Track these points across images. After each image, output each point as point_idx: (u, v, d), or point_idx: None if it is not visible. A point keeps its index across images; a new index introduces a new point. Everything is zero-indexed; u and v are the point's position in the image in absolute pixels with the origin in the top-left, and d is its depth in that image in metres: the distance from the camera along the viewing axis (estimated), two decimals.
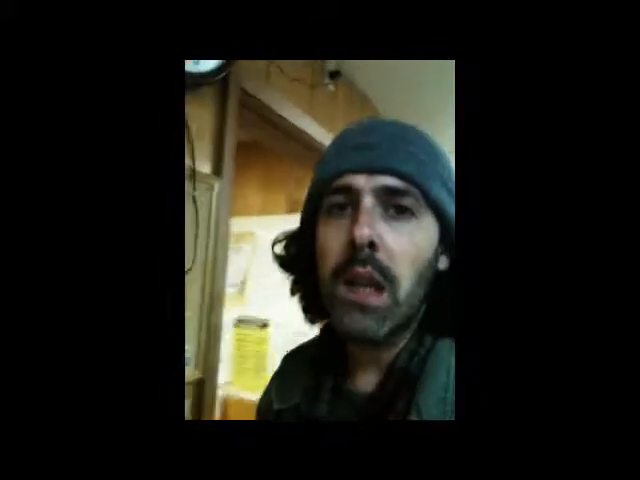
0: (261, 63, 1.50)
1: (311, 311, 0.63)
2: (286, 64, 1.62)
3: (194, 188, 1.20)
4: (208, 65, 1.19)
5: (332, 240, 0.51)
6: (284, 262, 0.64)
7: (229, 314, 2.45)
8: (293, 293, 0.64)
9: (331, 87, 1.88)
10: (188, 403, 1.16)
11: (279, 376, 0.66)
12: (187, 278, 1.15)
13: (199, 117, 1.24)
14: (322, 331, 0.64)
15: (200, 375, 1.21)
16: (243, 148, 1.76)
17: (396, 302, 0.48)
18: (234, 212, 1.44)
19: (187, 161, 1.19)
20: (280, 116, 1.62)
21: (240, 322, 2.89)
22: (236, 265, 2.84)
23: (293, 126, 1.66)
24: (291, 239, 0.64)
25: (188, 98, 1.19)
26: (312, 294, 0.58)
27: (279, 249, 0.65)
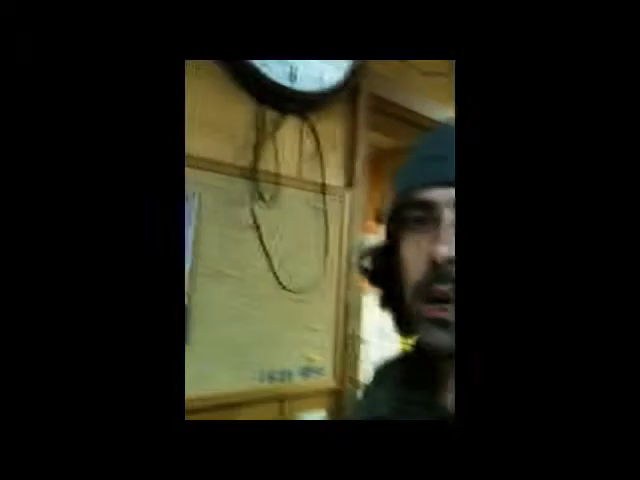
0: (390, 64, 1.46)
1: (402, 326, 0.63)
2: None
3: (324, 202, 1.24)
4: (333, 79, 1.22)
5: (413, 256, 0.51)
6: (372, 276, 0.64)
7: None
8: (383, 307, 0.64)
9: None
10: (323, 413, 1.20)
11: (369, 388, 0.66)
12: (318, 290, 1.20)
13: (328, 130, 1.28)
14: (413, 346, 0.63)
15: (337, 386, 1.23)
16: (387, 153, 1.75)
17: None
18: (372, 217, 1.44)
19: (318, 176, 1.24)
20: (421, 115, 1.56)
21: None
22: None
23: (435, 121, 1.58)
24: (377, 253, 0.63)
25: (316, 115, 1.24)
26: (400, 309, 0.58)
27: (366, 263, 0.64)
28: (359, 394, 0.69)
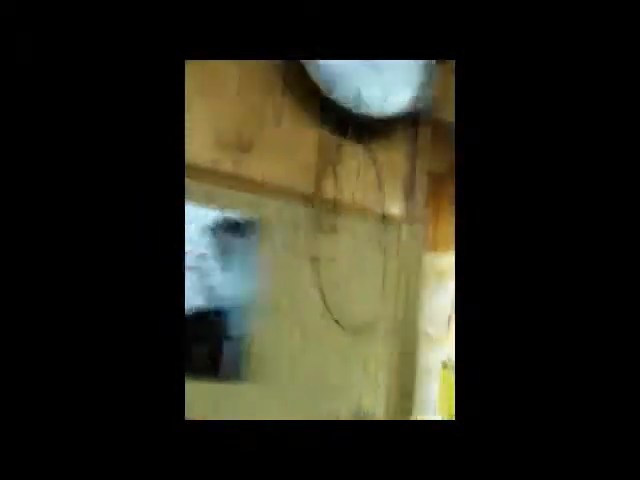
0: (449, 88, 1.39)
1: None
2: None
3: (385, 232, 1.19)
4: (400, 106, 1.17)
5: None
6: None
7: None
8: None
9: None
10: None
11: None
12: (373, 327, 1.13)
13: (390, 157, 1.23)
14: None
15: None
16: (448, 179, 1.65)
17: None
18: (438, 248, 1.35)
19: (378, 205, 1.19)
20: None
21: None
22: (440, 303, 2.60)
23: None
24: None
25: (378, 142, 1.20)
26: None
27: None
28: None
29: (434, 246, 1.34)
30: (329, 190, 1.15)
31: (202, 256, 1.05)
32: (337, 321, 1.12)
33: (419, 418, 1.22)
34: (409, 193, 1.29)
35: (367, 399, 1.11)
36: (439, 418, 1.25)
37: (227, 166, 0.98)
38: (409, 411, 1.18)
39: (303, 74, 0.99)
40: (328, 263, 1.12)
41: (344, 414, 1.08)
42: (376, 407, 1.13)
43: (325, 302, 1.11)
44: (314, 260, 1.09)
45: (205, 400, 0.87)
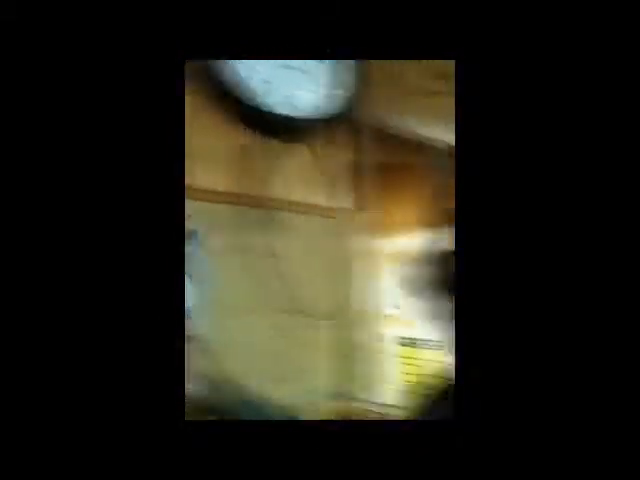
0: (392, 85, 1.50)
1: None
2: (418, 81, 1.59)
3: (334, 225, 1.25)
4: (334, 107, 1.24)
5: None
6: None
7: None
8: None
9: None
10: None
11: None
12: (338, 315, 1.20)
13: (334, 154, 1.30)
14: None
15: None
16: (393, 168, 1.76)
17: None
18: (386, 234, 1.45)
19: (327, 200, 1.26)
20: (420, 135, 1.59)
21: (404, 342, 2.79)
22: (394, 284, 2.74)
23: (434, 143, 1.61)
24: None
25: (321, 141, 1.27)
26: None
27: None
28: None
29: (384, 232, 1.43)
30: (278, 191, 1.18)
31: None
32: (298, 311, 1.16)
33: (378, 392, 1.29)
34: (355, 185, 1.37)
35: (330, 380, 1.18)
36: (399, 391, 1.33)
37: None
38: (369, 387, 1.26)
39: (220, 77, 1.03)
40: (283, 258, 1.16)
41: (308, 395, 1.14)
42: (338, 387, 1.20)
43: (285, 294, 1.16)
44: (269, 257, 1.13)
45: None
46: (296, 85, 1.17)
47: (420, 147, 1.62)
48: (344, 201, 1.34)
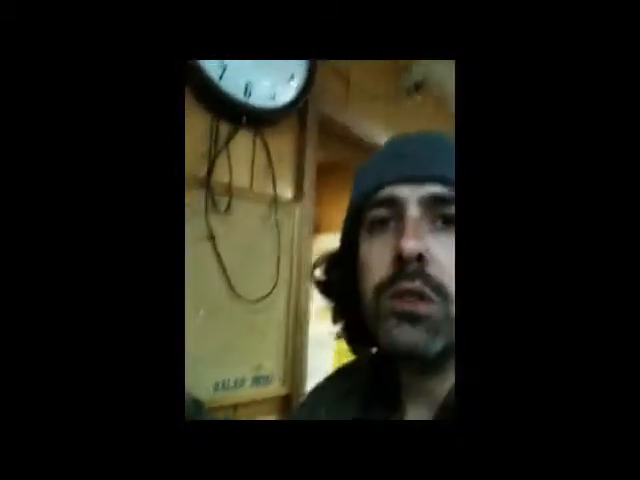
0: (339, 84, 1.54)
1: (355, 341, 0.60)
2: (365, 81, 1.65)
3: (276, 213, 1.26)
4: (287, 97, 1.26)
5: (376, 256, 0.48)
6: (325, 288, 0.61)
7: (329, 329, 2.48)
8: (335, 321, 0.61)
9: (418, 98, 1.86)
10: (273, 418, 1.21)
11: (323, 395, 0.63)
12: (270, 299, 1.21)
13: (279, 145, 1.31)
14: (370, 361, 0.60)
15: (286, 391, 1.26)
16: (331, 167, 1.81)
17: (448, 317, 0.44)
18: (322, 230, 1.49)
19: (269, 188, 1.26)
20: (359, 136, 1.65)
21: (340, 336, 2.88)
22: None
23: (374, 144, 1.68)
24: (331, 261, 0.60)
25: (268, 130, 1.27)
26: (356, 321, 0.54)
27: (319, 274, 0.61)
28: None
29: (317, 228, 1.46)
30: (223, 175, 1.19)
31: None
32: (239, 295, 1.18)
33: (312, 381, 1.33)
34: (298, 178, 1.40)
35: (267, 363, 1.19)
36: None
37: None
38: (304, 374, 1.30)
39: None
40: (225, 242, 1.17)
41: (248, 376, 1.15)
42: (274, 370, 1.22)
43: (226, 278, 1.16)
44: (211, 239, 1.13)
45: None
46: (252, 73, 1.18)
47: (361, 145, 1.69)
48: (285, 191, 1.36)
